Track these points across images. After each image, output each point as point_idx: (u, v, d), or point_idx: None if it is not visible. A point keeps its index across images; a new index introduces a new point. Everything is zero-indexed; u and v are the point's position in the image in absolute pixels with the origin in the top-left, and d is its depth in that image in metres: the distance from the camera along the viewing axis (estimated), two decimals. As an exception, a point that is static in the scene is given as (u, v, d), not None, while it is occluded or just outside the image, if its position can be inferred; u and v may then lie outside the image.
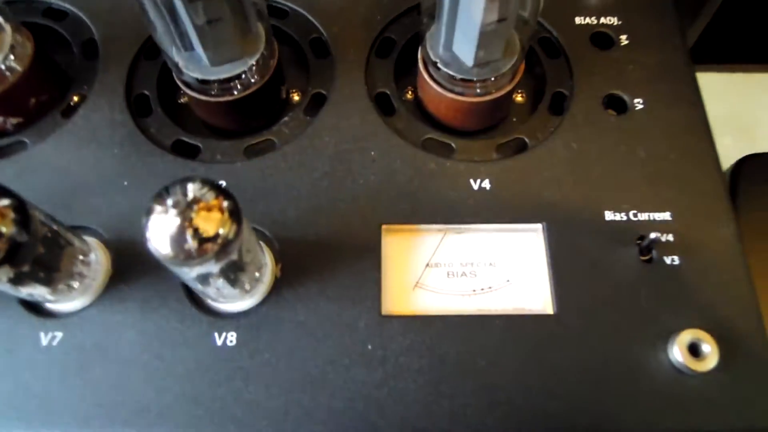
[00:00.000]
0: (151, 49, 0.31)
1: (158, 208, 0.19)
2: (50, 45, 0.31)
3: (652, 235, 0.25)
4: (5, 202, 0.20)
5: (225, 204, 0.20)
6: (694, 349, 0.23)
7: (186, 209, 0.19)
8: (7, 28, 0.28)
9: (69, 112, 0.30)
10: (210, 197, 0.20)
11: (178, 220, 0.19)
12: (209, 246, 0.19)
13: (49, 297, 0.24)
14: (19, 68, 0.29)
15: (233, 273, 0.23)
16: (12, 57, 0.28)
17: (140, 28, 0.31)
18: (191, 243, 0.19)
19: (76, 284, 0.25)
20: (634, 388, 0.24)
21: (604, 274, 0.25)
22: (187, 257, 0.19)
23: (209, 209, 0.20)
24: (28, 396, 0.23)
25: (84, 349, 0.24)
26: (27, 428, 0.23)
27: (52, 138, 0.29)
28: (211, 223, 0.20)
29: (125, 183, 0.27)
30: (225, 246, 0.20)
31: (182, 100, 0.32)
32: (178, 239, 0.19)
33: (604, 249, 0.26)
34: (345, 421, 0.23)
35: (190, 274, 0.21)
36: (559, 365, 0.24)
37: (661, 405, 0.23)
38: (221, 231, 0.20)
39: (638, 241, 0.26)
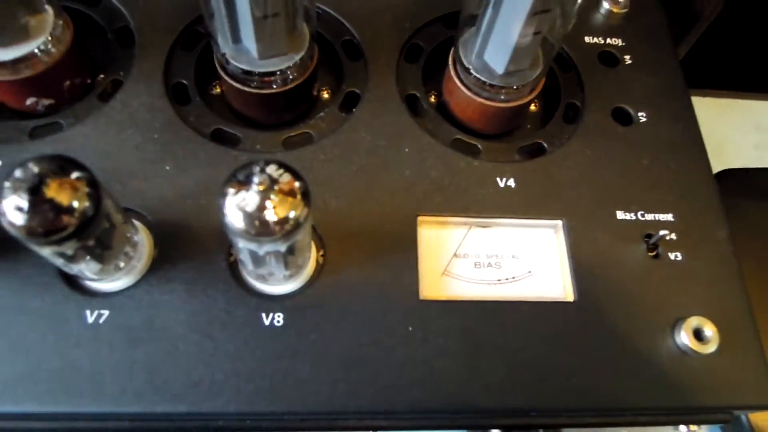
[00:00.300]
0: (187, 40, 0.32)
1: (237, 185, 0.20)
2: (82, 30, 0.32)
3: (661, 232, 0.28)
4: (78, 174, 0.21)
5: (299, 186, 0.21)
6: (698, 334, 0.26)
7: (267, 188, 0.20)
8: (50, 10, 0.29)
9: (106, 96, 0.30)
10: (286, 179, 0.21)
11: (258, 198, 0.20)
12: (283, 226, 0.21)
13: (97, 276, 0.25)
14: (56, 51, 0.29)
15: (288, 255, 0.24)
16: (51, 40, 0.29)
17: (176, 18, 0.32)
18: (268, 220, 0.20)
19: (122, 264, 0.25)
20: (645, 368, 0.26)
21: (617, 266, 0.28)
22: (261, 233, 0.21)
23: (286, 191, 0.21)
24: (77, 373, 0.24)
25: (131, 327, 0.25)
26: (77, 405, 0.23)
27: (90, 120, 0.29)
28: (287, 204, 0.21)
29: (167, 168, 0.28)
30: (296, 227, 0.21)
31: (215, 91, 0.33)
32: (257, 216, 0.20)
33: (616, 244, 0.29)
34: (389, 398, 0.24)
35: (258, 251, 0.22)
36: (580, 347, 0.26)
37: (669, 384, 0.26)
38: (293, 213, 0.21)
39: (646, 239, 0.29)
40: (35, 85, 0.29)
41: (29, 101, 0.30)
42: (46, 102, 0.30)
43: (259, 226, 0.20)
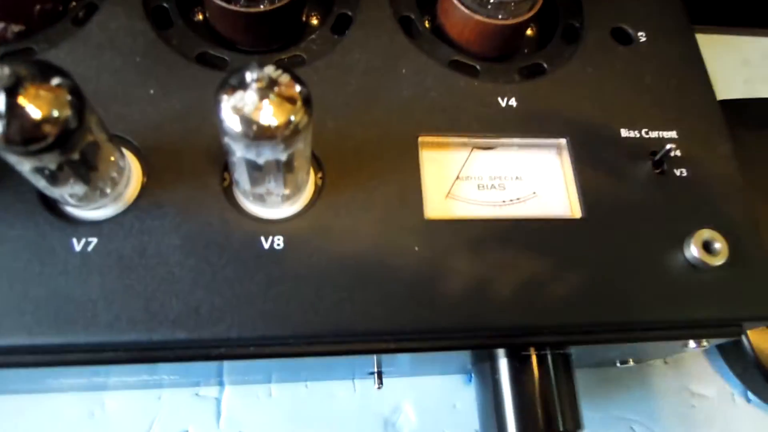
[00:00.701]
0: (165, -39, 0.30)
1: (236, 84, 0.19)
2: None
3: (667, 146, 0.27)
4: (59, 80, 0.19)
5: (300, 89, 0.20)
6: (707, 246, 0.26)
7: (266, 88, 0.19)
8: (14, -77, 0.26)
9: (80, 21, 0.28)
10: (286, 79, 0.20)
11: (257, 97, 0.19)
12: (284, 128, 0.19)
13: (81, 202, 0.23)
14: (22, -29, 0.27)
15: (288, 169, 0.22)
16: (17, -43, 0.26)
17: (152, -61, 0.30)
18: (271, 121, 0.19)
19: (108, 189, 0.24)
20: (655, 283, 0.26)
21: (624, 183, 0.27)
22: (260, 135, 0.19)
23: (286, 93, 0.20)
24: (67, 302, 0.22)
25: (123, 255, 0.23)
26: (69, 336, 0.22)
27: (65, 45, 0.27)
28: (287, 106, 0.19)
29: (151, 92, 0.26)
30: (296, 131, 0.20)
31: (197, 17, 0.31)
32: (257, 117, 0.19)
33: (622, 161, 0.28)
34: (397, 318, 0.24)
35: (257, 159, 0.21)
36: (589, 263, 0.26)
37: (679, 298, 0.26)
38: (294, 117, 0.20)
39: (651, 155, 0.28)
40: (2, 9, 0.27)
41: (-3, 27, 0.27)
42: (16, 28, 0.28)
43: (258, 127, 0.19)
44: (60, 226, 0.24)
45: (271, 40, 0.30)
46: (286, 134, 0.20)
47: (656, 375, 0.37)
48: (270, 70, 0.20)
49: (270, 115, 0.19)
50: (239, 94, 0.19)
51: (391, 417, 0.33)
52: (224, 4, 0.27)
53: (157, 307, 0.23)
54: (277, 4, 0.28)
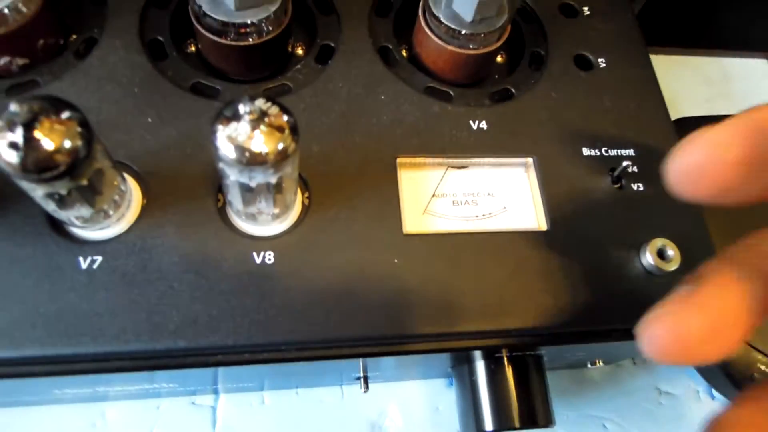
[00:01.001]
0: (160, -2, 0.32)
1: (229, 117, 0.21)
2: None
3: (624, 163, 0.30)
4: (70, 114, 0.22)
5: (287, 119, 0.22)
6: (661, 254, 0.28)
7: (257, 119, 0.21)
8: (20, -33, 0.28)
9: (82, 54, 0.30)
10: (275, 111, 0.22)
11: (249, 128, 0.21)
12: (274, 154, 0.22)
13: (85, 224, 0.25)
14: (27, 10, 0.29)
15: (277, 190, 0.25)
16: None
17: (147, -22, 0.32)
18: (260, 149, 0.21)
19: (111, 211, 0.26)
20: (614, 288, 0.28)
21: (585, 197, 0.30)
22: (252, 161, 0.22)
23: (275, 123, 0.22)
24: (75, 316, 0.24)
25: (126, 271, 0.25)
26: (77, 346, 0.24)
27: (67, 77, 0.29)
28: (276, 134, 0.22)
29: (149, 120, 0.29)
30: (285, 156, 0.22)
31: (190, 49, 0.33)
32: (248, 145, 0.21)
33: (584, 178, 0.30)
34: (379, 324, 0.26)
35: (249, 182, 0.23)
36: (554, 271, 0.28)
37: (637, 301, 0.28)
38: (282, 145, 0.22)
39: (610, 172, 0.31)
40: (7, 43, 0.29)
41: (2, 61, 0.29)
42: (20, 62, 0.30)
43: (249, 155, 0.21)
44: (67, 246, 0.25)
45: (260, 70, 0.32)
46: (276, 160, 0.22)
47: (627, 375, 0.39)
48: (260, 102, 0.22)
49: (261, 143, 0.21)
50: (233, 124, 0.21)
51: (378, 420, 0.35)
52: (216, 38, 0.30)
53: (159, 319, 0.25)
54: (265, 38, 0.30)
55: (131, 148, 0.28)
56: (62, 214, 0.25)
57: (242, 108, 0.22)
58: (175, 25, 0.32)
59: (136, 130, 0.28)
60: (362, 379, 0.32)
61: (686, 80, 0.51)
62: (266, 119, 0.22)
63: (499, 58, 0.36)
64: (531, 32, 0.35)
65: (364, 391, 0.32)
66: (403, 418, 0.35)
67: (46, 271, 0.25)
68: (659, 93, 0.34)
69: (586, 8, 0.36)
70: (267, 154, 0.22)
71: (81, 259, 0.25)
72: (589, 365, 0.36)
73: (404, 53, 0.35)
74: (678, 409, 0.38)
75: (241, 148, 0.21)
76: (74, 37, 0.31)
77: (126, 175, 0.27)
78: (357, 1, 0.34)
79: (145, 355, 0.24)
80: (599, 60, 0.34)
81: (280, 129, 0.22)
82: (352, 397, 0.36)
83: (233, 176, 0.23)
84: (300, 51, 0.34)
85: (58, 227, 0.26)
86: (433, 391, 0.36)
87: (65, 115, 0.22)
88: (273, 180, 0.23)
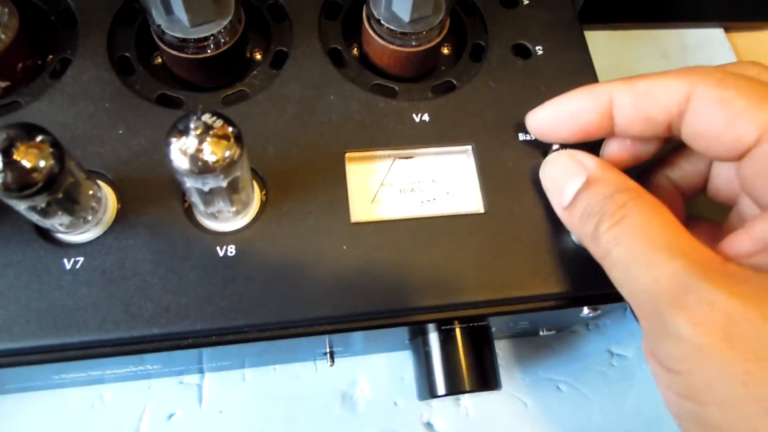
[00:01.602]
0: (125, 16, 0.35)
1: (179, 133, 0.24)
2: (27, 14, 0.35)
3: (554, 146, 0.32)
4: (42, 137, 0.25)
5: (232, 130, 0.25)
6: (588, 229, 0.31)
7: (203, 133, 0.24)
8: (-5, -1, 0.31)
9: (57, 74, 0.33)
10: (219, 124, 0.25)
11: (196, 141, 0.24)
12: (221, 162, 0.25)
13: (67, 229, 0.29)
14: (5, 38, 0.32)
15: (232, 192, 0.28)
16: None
17: (112, -3, 0.35)
18: (207, 159, 0.24)
19: (89, 217, 0.29)
20: (548, 262, 0.31)
21: (520, 180, 0.33)
22: (203, 171, 0.25)
23: (220, 134, 0.25)
24: (62, 311, 0.28)
25: (105, 269, 0.29)
26: (66, 337, 0.27)
27: (46, 97, 0.32)
28: (222, 145, 0.25)
29: (120, 132, 0.32)
30: (232, 163, 0.25)
31: (156, 61, 0.36)
32: (197, 157, 0.24)
33: (519, 161, 0.33)
34: (331, 304, 0.29)
35: (203, 188, 0.26)
36: (491, 249, 0.31)
37: (569, 273, 0.31)
38: (229, 152, 0.25)
39: (543, 155, 0.33)
40: (-10, 68, 0.32)
41: (-14, 85, 0.33)
42: (2, 84, 0.33)
43: (200, 165, 0.24)
44: (53, 250, 0.29)
45: (222, 77, 0.35)
46: (224, 167, 0.25)
47: (581, 340, 0.42)
48: (207, 117, 0.25)
49: (209, 153, 0.25)
50: (183, 139, 0.24)
51: (349, 390, 0.39)
52: (176, 53, 0.32)
53: (135, 310, 0.28)
54: (222, 48, 0.33)
55: (105, 158, 0.31)
56: (46, 223, 0.28)
57: (190, 123, 0.25)
58: (141, 40, 0.35)
59: (108, 142, 0.31)
60: (328, 354, 0.36)
61: (644, 54, 0.53)
62: (212, 132, 0.25)
63: (445, 50, 0.39)
64: (472, 24, 0.38)
65: (330, 365, 0.35)
66: (371, 388, 0.39)
67: (35, 273, 0.28)
68: (594, 76, 0.37)
69: (525, -1, 0.38)
70: (215, 162, 0.25)
71: (65, 260, 0.29)
72: (541, 332, 0.39)
73: (356, 51, 0.38)
74: (629, 369, 0.41)
75: (191, 160, 0.24)
76: (50, 57, 0.35)
77: (101, 183, 0.30)
78: (308, 5, 0.36)
79: (124, 341, 0.28)
80: (537, 48, 0.37)
81: (225, 139, 0.25)
82: (325, 371, 0.39)
83: (189, 183, 0.26)
84: (258, 56, 0.37)
85: (44, 234, 0.29)
86: (398, 363, 0.40)
87: (38, 138, 0.25)
88: (224, 184, 0.26)
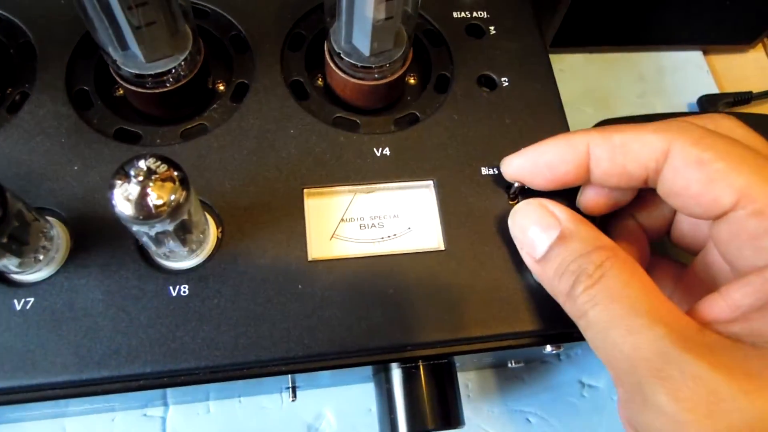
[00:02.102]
0: (85, 49, 0.35)
1: (121, 178, 0.24)
2: (-14, 48, 0.34)
3: (516, 183, 0.32)
4: (-18, 184, 0.24)
5: (176, 174, 0.25)
6: (548, 266, 0.31)
7: (145, 179, 0.24)
8: (-50, 34, 0.31)
9: (14, 108, 0.33)
10: (163, 168, 0.25)
11: (139, 188, 0.24)
12: (164, 208, 0.24)
13: (18, 269, 0.28)
14: (-39, 71, 0.32)
15: (183, 233, 0.28)
16: (-45, 60, 0.31)
17: (73, 29, 0.35)
18: (150, 205, 0.24)
19: (41, 257, 0.29)
20: (509, 300, 0.31)
21: (482, 215, 0.32)
22: (146, 217, 0.24)
23: (164, 179, 0.25)
24: (10, 353, 0.27)
25: (55, 310, 0.28)
26: (14, 380, 0.27)
27: (1, 132, 0.32)
28: (166, 189, 0.24)
29: (75, 168, 0.31)
30: (177, 208, 0.25)
31: (118, 93, 0.36)
32: (140, 203, 0.24)
33: (481, 196, 0.33)
34: (284, 346, 0.29)
35: (149, 232, 0.26)
36: (450, 287, 0.31)
37: (531, 311, 0.31)
38: (173, 196, 0.25)
39: (506, 189, 0.33)
40: (-54, 104, 0.32)
41: (-56, 119, 0.32)
42: (-40, 118, 0.33)
43: (142, 212, 0.24)
44: (3, 290, 0.29)
45: (182, 110, 0.35)
46: (168, 212, 0.25)
47: (552, 370, 0.42)
48: (150, 162, 0.25)
49: (152, 199, 0.24)
50: (125, 185, 0.24)
51: (315, 423, 0.39)
52: (133, 87, 0.32)
53: (85, 352, 0.28)
54: (182, 81, 0.33)
55: (59, 195, 0.31)
56: (-7, 264, 0.28)
57: (133, 169, 0.24)
58: (100, 73, 0.35)
59: (63, 179, 0.31)
60: (291, 389, 0.35)
61: (620, 77, 0.53)
62: (155, 176, 0.24)
63: (411, 80, 0.38)
64: (437, 55, 0.37)
65: (292, 400, 0.35)
66: (337, 420, 0.39)
67: (-16, 314, 0.28)
68: (560, 106, 0.36)
69: (492, 28, 0.38)
70: (158, 208, 0.24)
71: (15, 301, 0.28)
72: (509, 365, 0.39)
73: (320, 82, 0.37)
74: (600, 400, 0.41)
75: (133, 206, 0.24)
76: (9, 90, 0.34)
77: (54, 221, 0.30)
78: (270, 37, 0.36)
79: (74, 384, 0.28)
80: (502, 79, 0.36)
81: (169, 183, 0.25)
82: (290, 403, 0.39)
83: (134, 228, 0.26)
84: (222, 87, 0.36)
85: (-5, 273, 0.29)
86: (365, 394, 0.39)
87: (-22, 183, 0.24)
88: (171, 228, 0.26)
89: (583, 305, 0.26)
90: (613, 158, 0.28)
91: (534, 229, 0.29)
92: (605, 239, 0.27)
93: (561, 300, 0.28)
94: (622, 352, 0.24)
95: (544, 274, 0.29)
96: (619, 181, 0.29)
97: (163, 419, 0.38)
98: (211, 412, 0.38)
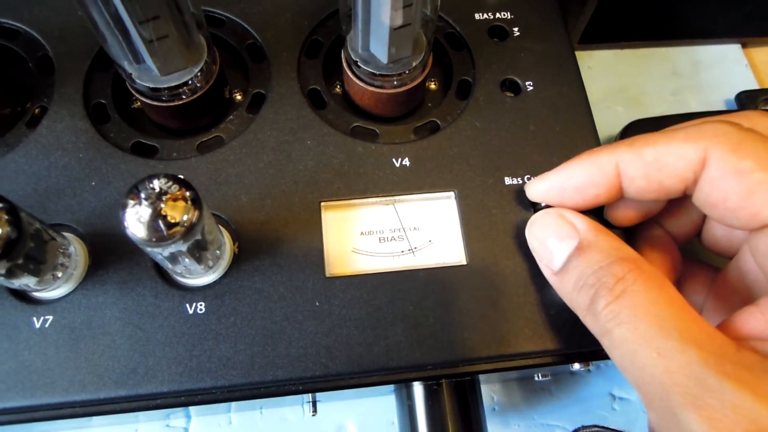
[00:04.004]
0: (102, 62, 0.35)
1: (133, 200, 0.24)
2: (6, 61, 0.34)
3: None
4: (-2, 206, 0.24)
5: (188, 194, 0.24)
6: (575, 282, 0.29)
7: (156, 200, 0.24)
8: (-31, 50, 0.31)
9: (33, 123, 0.33)
10: (175, 189, 0.24)
11: (150, 210, 0.23)
12: (177, 229, 0.24)
13: (37, 286, 0.28)
14: (-19, 86, 0.32)
15: (198, 251, 0.27)
16: (-25, 77, 0.31)
17: (90, 42, 0.35)
18: (162, 227, 0.24)
19: (59, 274, 0.29)
20: (534, 317, 0.29)
21: (506, 228, 0.31)
22: (159, 239, 0.24)
23: (175, 199, 0.24)
24: (30, 372, 0.27)
25: (74, 328, 0.28)
26: (32, 398, 0.27)
27: (21, 148, 0.32)
28: (178, 210, 0.24)
29: (93, 183, 0.31)
30: (190, 228, 0.24)
31: (135, 105, 0.36)
32: (152, 225, 0.23)
33: (505, 208, 0.32)
34: (301, 365, 0.28)
35: (162, 253, 0.25)
36: (472, 303, 0.29)
37: (557, 328, 0.29)
38: (186, 216, 0.24)
39: (533, 203, 0.32)
40: (-32, 119, 0.32)
41: (-38, 136, 0.33)
42: (-21, 134, 0.33)
43: (155, 234, 0.24)
44: (22, 308, 0.29)
45: (199, 121, 0.34)
46: (181, 233, 0.24)
47: (581, 382, 0.40)
48: (162, 182, 0.24)
49: (165, 222, 0.24)
50: (137, 207, 0.24)
51: (336, 436, 0.38)
52: (149, 101, 0.32)
53: (102, 371, 0.28)
54: (198, 93, 0.32)
55: (76, 211, 0.31)
56: (13, 284, 0.28)
57: (144, 190, 0.24)
58: (117, 86, 0.34)
59: (81, 194, 0.31)
60: (311, 404, 0.35)
61: (653, 74, 0.50)
62: (166, 198, 0.24)
63: (432, 86, 0.37)
64: (459, 59, 0.36)
65: (312, 414, 0.34)
66: (359, 433, 0.38)
67: (5, 332, 0.28)
68: (588, 110, 0.34)
69: (516, 29, 0.37)
70: (170, 230, 0.24)
71: (35, 319, 0.29)
72: (535, 378, 0.38)
73: (338, 90, 0.37)
74: (632, 414, 0.39)
75: (146, 229, 0.24)
76: (29, 104, 0.34)
77: (72, 237, 0.30)
78: (286, 44, 0.35)
79: (91, 403, 0.28)
80: (527, 83, 0.35)
81: (181, 204, 0.24)
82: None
83: (147, 249, 0.25)
84: (239, 96, 0.36)
85: (16, 292, 0.29)
86: (388, 405, 0.39)
87: (-6, 206, 0.24)
88: (184, 248, 0.26)
89: (606, 323, 0.24)
90: (648, 176, 0.26)
91: (552, 239, 0.28)
92: (628, 250, 0.26)
93: (581, 315, 0.26)
94: (652, 375, 0.22)
95: (563, 288, 0.27)
96: (657, 196, 0.27)
97: (186, 430, 0.38)
98: (232, 423, 0.38)
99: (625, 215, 0.30)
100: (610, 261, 0.25)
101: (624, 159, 0.27)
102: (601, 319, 0.24)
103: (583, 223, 0.27)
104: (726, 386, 0.20)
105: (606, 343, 0.25)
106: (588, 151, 0.28)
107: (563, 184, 0.29)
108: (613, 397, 0.40)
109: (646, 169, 0.26)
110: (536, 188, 0.30)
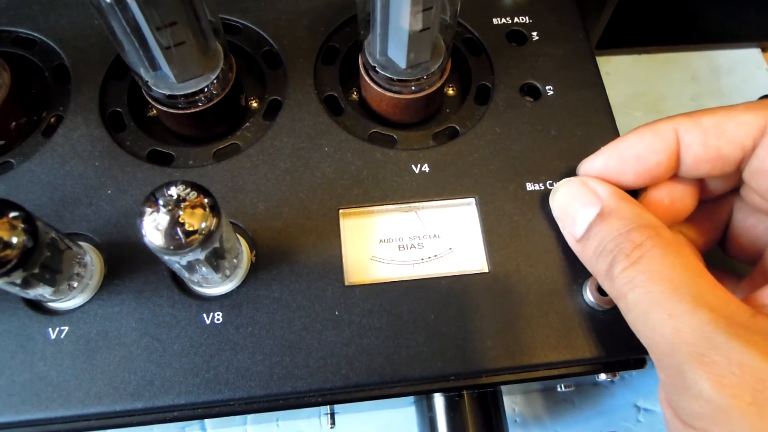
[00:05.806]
0: (118, 70, 0.34)
1: (150, 208, 0.23)
2: (22, 71, 0.34)
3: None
4: (14, 214, 0.24)
5: (206, 201, 0.24)
6: (601, 290, 0.29)
7: (174, 207, 0.23)
8: (-15, 59, 0.31)
9: (49, 132, 0.33)
10: (193, 196, 0.24)
11: (168, 217, 0.23)
12: (195, 237, 0.23)
13: (53, 297, 0.28)
14: (-2, 96, 0.32)
15: (215, 260, 0.27)
16: (-9, 86, 0.31)
17: (106, 51, 0.34)
18: (180, 235, 0.23)
19: (75, 284, 0.28)
20: (558, 326, 0.29)
21: (528, 235, 0.30)
22: (177, 247, 0.23)
23: (193, 206, 0.24)
24: (45, 384, 0.27)
25: (89, 339, 0.28)
26: (49, 411, 0.27)
27: (37, 156, 0.32)
28: (196, 217, 0.23)
29: (109, 192, 0.31)
30: (208, 236, 0.24)
31: (151, 113, 0.35)
32: (170, 233, 0.23)
33: (526, 215, 0.31)
34: (321, 376, 0.27)
35: (180, 261, 0.25)
36: (495, 312, 0.29)
37: (582, 337, 0.28)
38: (204, 224, 0.24)
39: (555, 207, 0.31)
40: (-15, 128, 0.32)
41: (-19, 145, 0.32)
42: (-2, 143, 0.33)
43: (173, 242, 0.23)
44: (38, 319, 0.28)
45: (216, 128, 0.34)
46: (199, 241, 0.24)
47: (605, 393, 0.39)
48: (180, 189, 0.24)
49: (183, 230, 0.23)
50: (154, 215, 0.23)
51: (354, 449, 0.37)
52: (165, 108, 0.32)
53: (118, 383, 0.27)
54: (214, 101, 0.32)
55: (92, 220, 0.30)
56: (29, 294, 0.27)
57: (162, 198, 0.23)
58: (133, 94, 0.34)
59: (97, 203, 0.31)
60: (329, 416, 0.34)
61: (672, 79, 0.49)
62: (184, 205, 0.23)
63: (450, 91, 0.36)
64: (477, 64, 0.36)
65: (331, 427, 0.33)
66: (378, 446, 0.37)
67: (20, 344, 0.28)
68: (610, 114, 0.34)
69: (534, 33, 0.36)
70: (188, 238, 0.23)
71: (50, 330, 0.28)
72: (558, 388, 0.37)
73: (355, 96, 0.36)
74: (657, 426, 0.38)
75: (163, 237, 0.23)
76: (45, 113, 0.34)
77: (88, 247, 0.30)
78: (303, 51, 0.35)
79: (107, 415, 0.27)
80: (547, 87, 0.34)
81: (199, 211, 0.24)
82: (330, 428, 0.37)
83: (165, 257, 0.25)
84: (255, 104, 0.35)
85: (32, 302, 0.29)
86: (407, 418, 0.38)
87: (11, 215, 0.24)
88: (202, 256, 0.25)
89: (622, 287, 0.24)
90: (707, 142, 0.26)
91: (574, 206, 0.28)
92: (649, 217, 0.26)
93: (600, 280, 0.27)
94: (663, 336, 0.22)
95: (584, 254, 0.28)
96: (712, 168, 0.27)
97: (201, 443, 0.37)
98: (248, 436, 0.37)
99: (680, 199, 0.29)
100: (630, 228, 0.25)
101: (683, 126, 0.26)
102: (617, 283, 0.25)
103: (606, 190, 0.27)
104: (734, 345, 0.21)
105: (622, 306, 0.25)
106: (644, 124, 0.28)
107: (622, 153, 0.28)
108: (638, 408, 0.39)
109: (705, 135, 0.26)
110: (593, 163, 0.29)
